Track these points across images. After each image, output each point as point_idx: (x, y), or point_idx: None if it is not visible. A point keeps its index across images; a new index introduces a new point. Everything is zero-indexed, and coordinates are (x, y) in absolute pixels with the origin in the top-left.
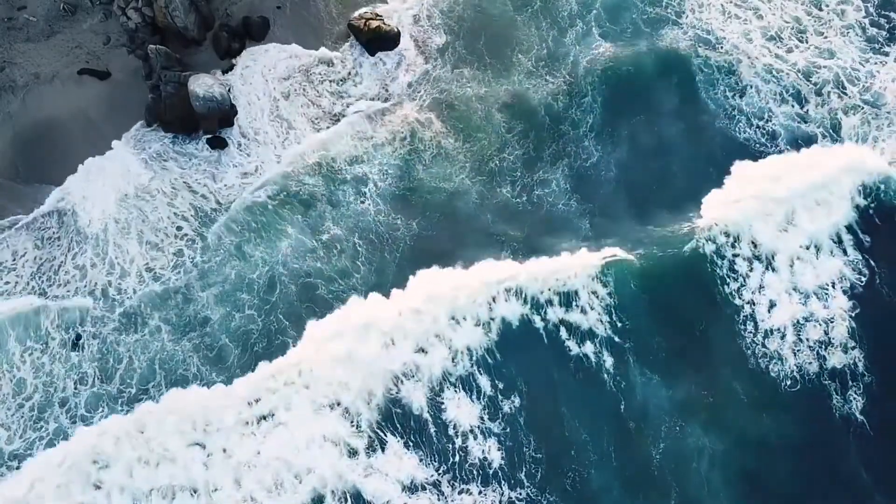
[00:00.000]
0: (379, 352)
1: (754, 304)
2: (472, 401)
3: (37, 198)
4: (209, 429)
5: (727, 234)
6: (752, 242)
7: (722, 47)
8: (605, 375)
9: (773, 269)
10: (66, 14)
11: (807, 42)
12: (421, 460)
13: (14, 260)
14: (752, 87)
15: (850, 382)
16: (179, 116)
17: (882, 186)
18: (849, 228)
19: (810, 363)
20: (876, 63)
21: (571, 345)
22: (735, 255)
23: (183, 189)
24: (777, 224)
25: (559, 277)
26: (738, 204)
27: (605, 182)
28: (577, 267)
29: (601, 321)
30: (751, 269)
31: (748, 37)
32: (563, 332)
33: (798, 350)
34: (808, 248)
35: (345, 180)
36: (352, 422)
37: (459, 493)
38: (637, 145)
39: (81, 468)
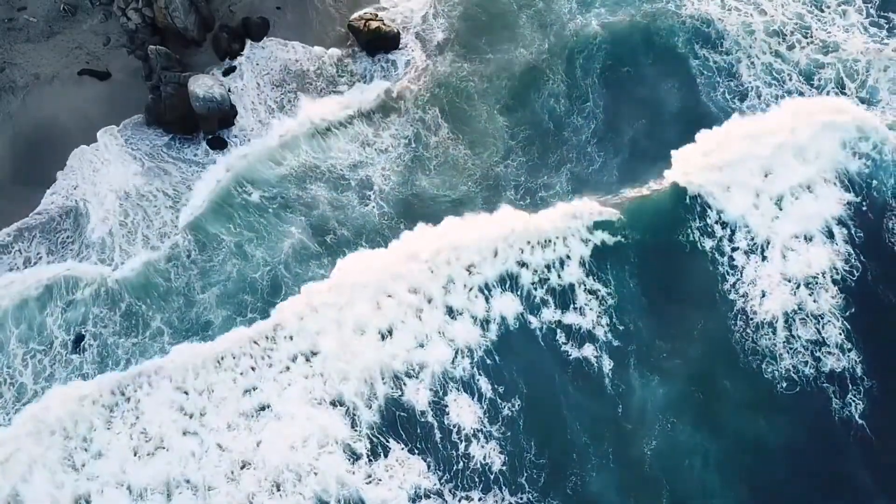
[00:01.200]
0: (376, 343)
1: (747, 297)
2: (473, 402)
3: (37, 200)
4: (205, 420)
5: (723, 225)
6: (746, 226)
7: (723, 45)
8: (602, 375)
9: (764, 254)
10: (67, 15)
11: (811, 37)
12: (424, 465)
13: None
14: (752, 89)
15: (850, 385)
16: (179, 117)
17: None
18: (838, 220)
19: (805, 362)
20: (874, 53)
21: (568, 345)
22: (734, 249)
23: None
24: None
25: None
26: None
27: (606, 184)
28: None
29: (600, 323)
30: (747, 259)
31: (749, 29)
32: (560, 332)
33: (792, 348)
34: (799, 237)
35: (348, 185)
36: (353, 425)
37: (460, 500)
38: (637, 146)
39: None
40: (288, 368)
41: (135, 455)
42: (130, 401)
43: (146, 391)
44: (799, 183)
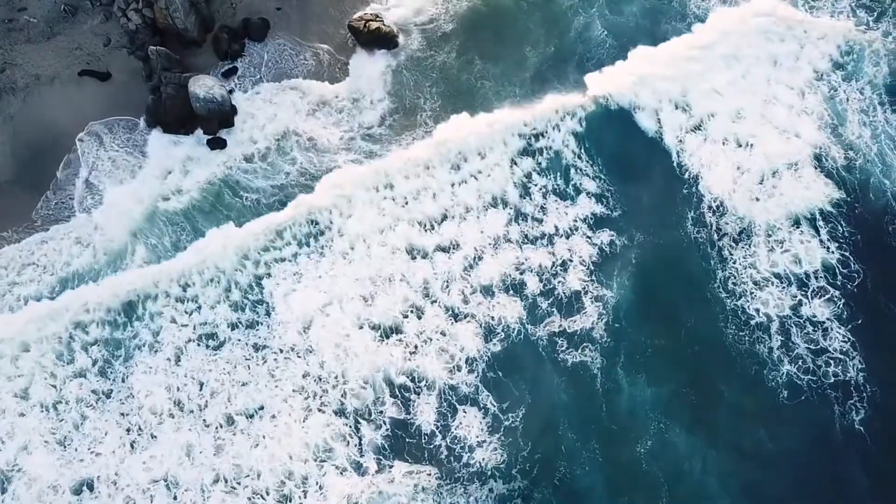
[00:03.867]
0: (373, 343)
1: (744, 295)
2: (478, 412)
3: (38, 200)
4: (201, 417)
5: (715, 212)
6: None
7: None
8: (598, 379)
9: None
10: (67, 15)
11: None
12: (426, 469)
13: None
14: None
15: (852, 392)
16: (180, 117)
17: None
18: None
19: (807, 367)
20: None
21: (566, 348)
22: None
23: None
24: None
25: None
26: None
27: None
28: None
29: (599, 328)
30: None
31: None
32: (559, 339)
33: (792, 350)
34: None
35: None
36: (352, 433)
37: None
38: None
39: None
40: (285, 360)
41: (132, 448)
42: (123, 391)
43: (142, 370)
44: None
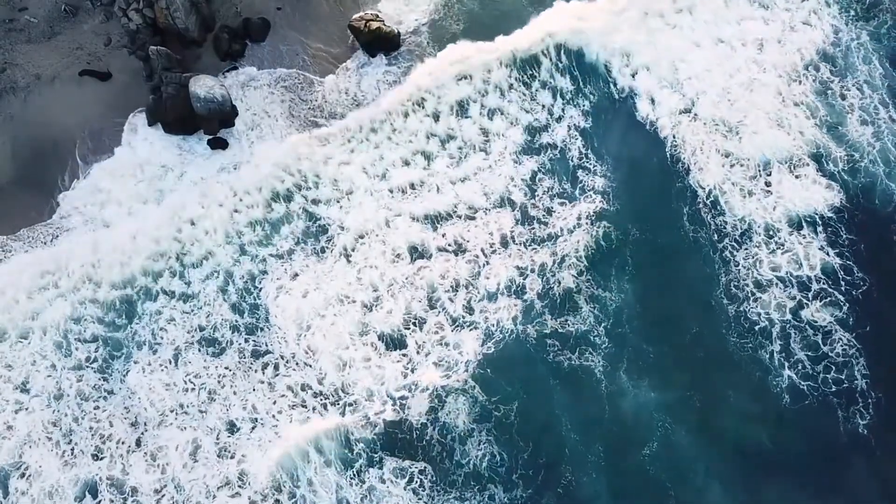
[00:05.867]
0: (374, 354)
1: (747, 299)
2: (471, 406)
3: (38, 201)
4: (202, 421)
5: (711, 209)
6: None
7: None
8: (598, 379)
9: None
10: (68, 15)
11: None
12: (421, 468)
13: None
14: None
15: (857, 398)
16: (180, 117)
17: None
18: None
19: (807, 373)
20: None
21: (563, 349)
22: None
23: None
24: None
25: None
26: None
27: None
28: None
29: (600, 332)
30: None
31: None
32: (556, 340)
33: (795, 355)
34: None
35: None
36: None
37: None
38: None
39: None
40: (285, 367)
41: (137, 445)
42: (123, 390)
43: (140, 366)
44: None
